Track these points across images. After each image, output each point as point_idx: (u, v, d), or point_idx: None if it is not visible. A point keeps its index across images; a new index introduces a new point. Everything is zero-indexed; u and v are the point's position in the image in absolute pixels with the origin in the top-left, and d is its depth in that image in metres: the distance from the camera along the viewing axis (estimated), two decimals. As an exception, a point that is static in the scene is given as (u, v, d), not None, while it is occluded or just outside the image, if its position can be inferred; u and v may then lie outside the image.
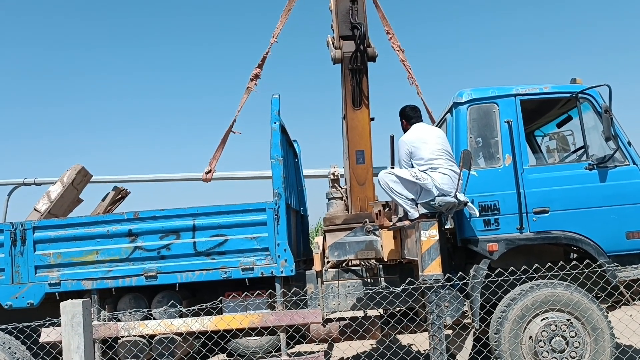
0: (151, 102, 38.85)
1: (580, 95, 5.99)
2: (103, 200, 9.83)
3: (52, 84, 36.85)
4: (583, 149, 6.05)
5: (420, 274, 4.84)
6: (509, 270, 4.90)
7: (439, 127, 6.83)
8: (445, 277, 4.82)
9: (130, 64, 37.43)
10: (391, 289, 5.20)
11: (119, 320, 6.17)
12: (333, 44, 6.99)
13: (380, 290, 5.26)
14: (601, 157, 5.87)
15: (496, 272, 5.08)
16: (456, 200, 5.46)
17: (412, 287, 4.80)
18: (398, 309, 6.31)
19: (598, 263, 5.51)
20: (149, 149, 38.48)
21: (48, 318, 4.99)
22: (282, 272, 6.11)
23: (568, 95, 6.10)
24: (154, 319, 6.13)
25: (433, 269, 4.73)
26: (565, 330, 5.44)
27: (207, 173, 7.62)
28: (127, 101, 37.77)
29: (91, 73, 36.32)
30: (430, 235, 4.80)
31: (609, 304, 5.87)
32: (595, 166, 5.85)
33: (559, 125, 6.96)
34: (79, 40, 36.59)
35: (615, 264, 5.55)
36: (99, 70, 36.30)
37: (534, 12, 38.26)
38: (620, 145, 5.84)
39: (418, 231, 4.87)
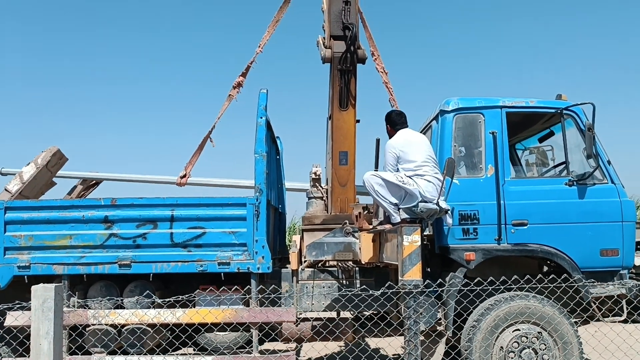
0: (134, 92, 38.18)
1: (564, 111, 6.07)
2: (69, 194, 9.60)
3: (22, 67, 35.89)
4: (564, 165, 6.14)
5: (400, 278, 4.83)
6: (488, 279, 4.93)
7: (424, 133, 6.85)
8: (425, 283, 4.83)
9: (104, 51, 36.75)
10: (370, 291, 5.19)
11: (88, 307, 6.05)
12: (323, 43, 6.97)
13: (359, 292, 5.24)
14: (581, 174, 5.95)
15: (475, 281, 5.11)
16: (438, 207, 5.48)
17: (391, 291, 4.79)
18: (373, 312, 6.31)
19: (576, 278, 5.59)
20: (129, 142, 37.63)
21: (17, 301, 4.85)
22: (258, 268, 6.06)
23: (553, 110, 6.18)
24: (125, 308, 6.02)
25: (413, 275, 4.74)
26: (535, 343, 5.50)
27: (182, 177, 7.58)
28: (107, 89, 37.05)
29: (60, 57, 35.52)
30: (412, 240, 4.81)
31: (581, 320, 5.95)
32: (575, 182, 5.93)
33: (541, 140, 7.05)
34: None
35: (592, 280, 5.64)
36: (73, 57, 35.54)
37: (522, 26, 38.83)
38: (600, 164, 5.93)
39: (400, 236, 4.87)
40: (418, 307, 4.85)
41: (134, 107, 38.57)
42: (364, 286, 5.21)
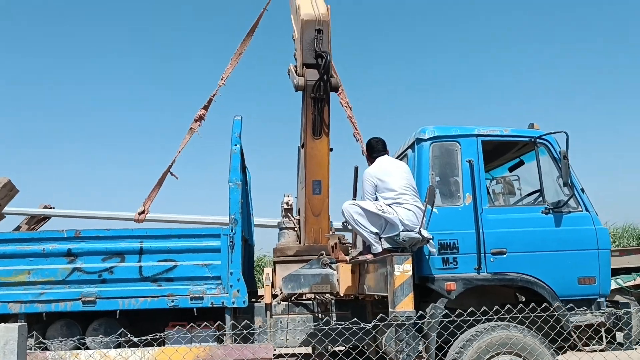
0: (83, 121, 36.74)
1: (538, 140, 6.13)
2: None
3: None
4: (538, 193, 6.17)
5: (391, 310, 4.66)
6: (481, 309, 4.83)
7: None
8: (418, 314, 4.67)
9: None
10: (362, 324, 4.97)
11: (47, 348, 5.58)
12: (295, 72, 6.89)
13: (350, 325, 5.01)
14: (556, 202, 5.99)
15: (469, 311, 4.99)
16: (420, 237, 5.38)
17: (383, 324, 4.60)
18: (350, 346, 6.09)
19: (557, 306, 5.56)
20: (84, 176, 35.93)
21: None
22: (233, 302, 5.78)
23: (527, 139, 6.22)
24: (88, 348, 5.59)
25: (405, 306, 4.57)
26: (517, 374, 5.40)
27: (140, 214, 7.29)
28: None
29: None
30: (404, 270, 4.66)
31: (563, 349, 5.91)
32: (550, 210, 5.95)
33: (511, 170, 7.09)
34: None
35: (580, 308, 5.61)
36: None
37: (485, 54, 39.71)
38: (575, 192, 5.99)
39: (391, 265, 4.71)
40: (399, 340, 4.67)
41: (92, 139, 36.98)
42: (355, 319, 4.98)
